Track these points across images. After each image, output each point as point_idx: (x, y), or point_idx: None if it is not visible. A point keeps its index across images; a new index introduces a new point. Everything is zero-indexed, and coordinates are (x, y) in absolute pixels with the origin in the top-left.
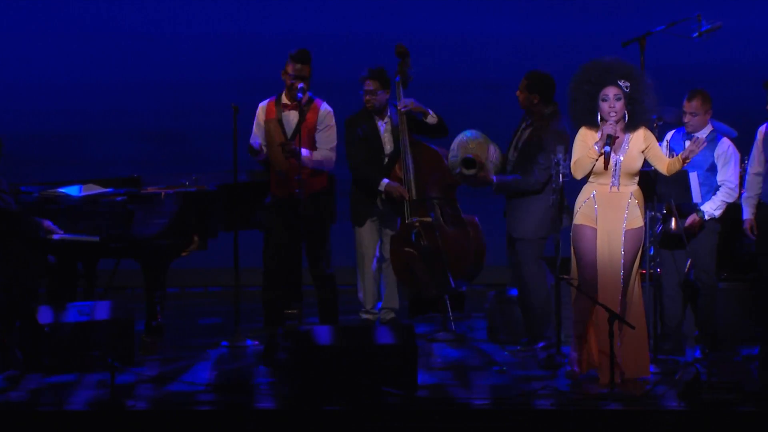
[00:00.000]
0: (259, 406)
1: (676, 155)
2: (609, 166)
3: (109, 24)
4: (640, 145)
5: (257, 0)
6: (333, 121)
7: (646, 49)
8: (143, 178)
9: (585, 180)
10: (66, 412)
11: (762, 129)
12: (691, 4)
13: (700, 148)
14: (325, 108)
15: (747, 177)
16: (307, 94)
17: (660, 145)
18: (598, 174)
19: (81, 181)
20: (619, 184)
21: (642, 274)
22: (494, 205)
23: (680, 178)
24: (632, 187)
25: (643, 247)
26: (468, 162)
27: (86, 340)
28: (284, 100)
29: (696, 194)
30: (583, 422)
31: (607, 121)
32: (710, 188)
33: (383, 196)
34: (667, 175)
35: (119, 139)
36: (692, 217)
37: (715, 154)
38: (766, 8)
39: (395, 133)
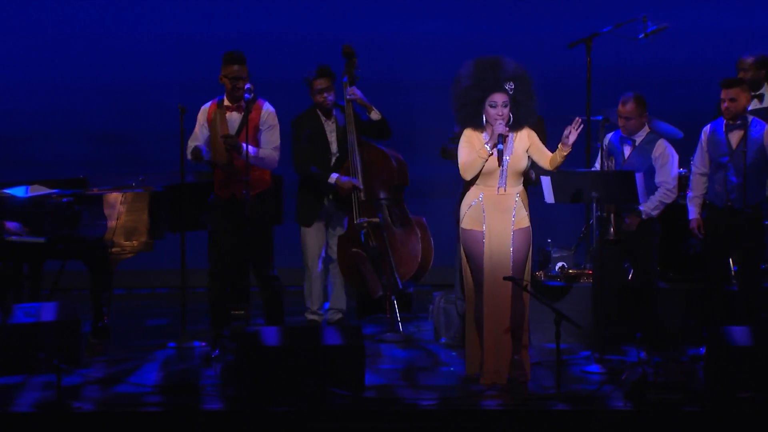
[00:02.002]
0: (206, 407)
1: (615, 159)
2: (497, 168)
3: (54, 24)
4: (525, 144)
5: (202, 0)
6: (276, 121)
7: (593, 50)
8: (90, 179)
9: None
10: (12, 414)
11: (707, 129)
12: (637, 6)
13: (578, 131)
14: (267, 108)
15: (692, 177)
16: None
17: (598, 146)
18: (486, 176)
19: (27, 182)
20: (506, 186)
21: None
22: (441, 205)
23: (626, 180)
24: (518, 188)
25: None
26: None
27: (32, 341)
28: (226, 102)
29: (642, 195)
30: (530, 422)
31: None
32: (650, 190)
33: (330, 196)
34: (550, 169)
35: (65, 139)
36: (630, 217)
37: (653, 156)
38: (712, 10)
39: (341, 134)
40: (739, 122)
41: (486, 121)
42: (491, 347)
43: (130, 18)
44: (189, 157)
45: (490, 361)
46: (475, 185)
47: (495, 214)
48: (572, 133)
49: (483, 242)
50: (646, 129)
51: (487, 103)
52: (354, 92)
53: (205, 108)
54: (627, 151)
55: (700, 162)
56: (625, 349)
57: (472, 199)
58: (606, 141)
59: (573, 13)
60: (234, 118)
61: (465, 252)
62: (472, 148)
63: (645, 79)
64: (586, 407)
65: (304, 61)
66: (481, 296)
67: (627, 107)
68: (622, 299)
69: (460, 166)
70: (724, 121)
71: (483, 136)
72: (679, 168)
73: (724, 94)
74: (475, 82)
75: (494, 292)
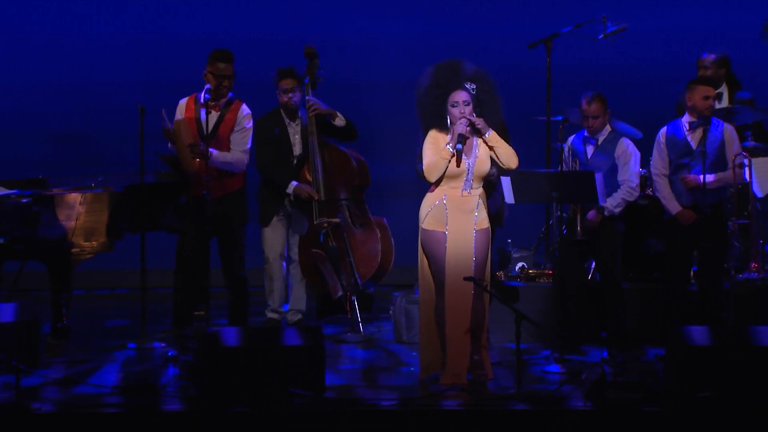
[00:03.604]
0: (166, 408)
1: (579, 159)
2: (462, 167)
3: (14, 24)
4: (487, 149)
5: (163, 0)
6: (250, 124)
7: (553, 50)
8: (49, 179)
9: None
10: None
11: (664, 131)
12: (596, 6)
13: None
14: (244, 110)
15: (655, 180)
16: (228, 95)
17: (563, 146)
18: (450, 178)
19: None
20: (470, 188)
21: (548, 275)
22: (401, 205)
23: (586, 180)
24: (480, 190)
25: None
26: None
27: None
28: (202, 99)
29: (602, 196)
30: (490, 422)
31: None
32: (613, 189)
33: (292, 198)
34: (514, 168)
35: (24, 140)
36: (593, 213)
37: (616, 155)
38: (671, 10)
39: (305, 135)
40: (700, 121)
41: (450, 122)
42: (453, 347)
43: (90, 17)
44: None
45: (451, 361)
46: (438, 186)
47: (458, 215)
48: (478, 121)
49: (445, 243)
50: (608, 128)
51: (449, 104)
52: (315, 104)
53: (183, 102)
54: (590, 150)
55: (660, 165)
56: (584, 349)
57: (434, 200)
58: (568, 144)
59: (533, 14)
60: (211, 116)
61: (426, 253)
62: (435, 149)
63: (604, 79)
64: (546, 407)
65: (264, 62)
66: (442, 297)
67: (593, 107)
68: (583, 299)
69: (424, 167)
70: (685, 120)
71: (448, 137)
72: (640, 168)
73: (707, 92)
74: (435, 81)
75: (456, 292)
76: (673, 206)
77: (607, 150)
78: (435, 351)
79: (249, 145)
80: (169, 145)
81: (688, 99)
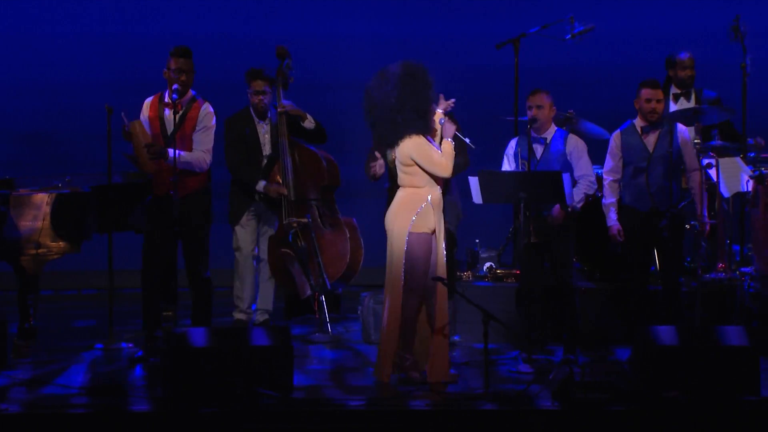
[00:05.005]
0: (133, 409)
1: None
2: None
3: None
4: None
5: (130, 1)
6: (212, 123)
7: (520, 50)
8: (16, 180)
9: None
10: None
11: (617, 135)
12: (564, 7)
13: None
14: (205, 108)
15: (605, 184)
16: (191, 93)
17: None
18: (433, 178)
19: None
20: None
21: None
22: (370, 206)
23: (554, 180)
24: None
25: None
26: None
27: None
28: (167, 98)
29: (569, 195)
30: (458, 422)
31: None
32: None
33: (260, 197)
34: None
35: None
36: (557, 209)
37: (567, 151)
38: (638, 11)
39: (274, 135)
40: (650, 127)
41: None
42: (437, 347)
43: (57, 18)
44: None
45: (438, 360)
46: (419, 187)
47: (438, 214)
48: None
49: (434, 244)
50: (554, 127)
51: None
52: (285, 105)
53: (148, 102)
54: (539, 150)
55: (613, 169)
56: (551, 349)
57: (420, 202)
58: (513, 147)
59: (501, 14)
60: (172, 115)
61: (411, 255)
62: (434, 149)
63: (572, 79)
64: (514, 407)
65: (233, 62)
66: (419, 297)
67: (536, 96)
68: (549, 300)
69: (448, 167)
70: (638, 123)
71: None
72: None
73: (652, 95)
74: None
75: (439, 292)
76: (610, 217)
77: (557, 148)
78: (395, 352)
79: (211, 145)
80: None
81: (636, 102)
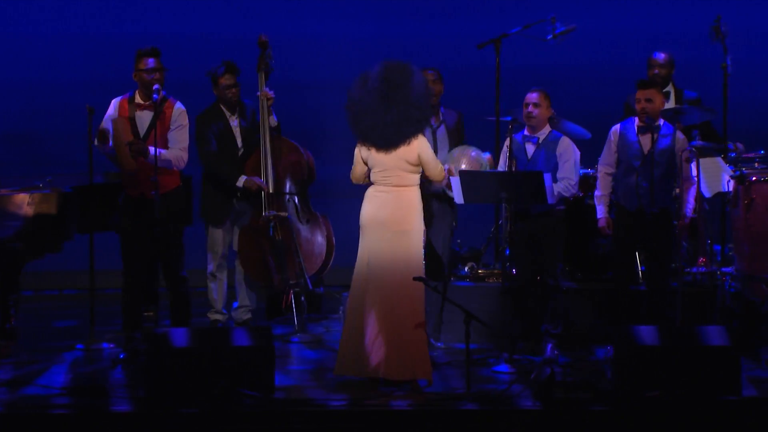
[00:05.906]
0: (115, 409)
1: (518, 158)
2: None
3: None
4: None
5: (111, 1)
6: (186, 120)
7: (502, 50)
8: None
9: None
10: None
11: (616, 129)
12: (545, 7)
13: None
14: (179, 107)
15: (599, 176)
16: (162, 93)
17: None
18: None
19: None
20: None
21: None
22: (344, 206)
23: (535, 180)
24: None
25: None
26: None
27: None
28: (138, 99)
29: (551, 195)
30: (440, 422)
31: None
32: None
33: (239, 193)
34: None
35: None
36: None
37: (558, 152)
38: (619, 11)
39: (245, 129)
40: (651, 124)
41: None
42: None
43: (38, 18)
44: (95, 142)
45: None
46: (417, 185)
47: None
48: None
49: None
50: (548, 127)
51: None
52: (267, 93)
53: (117, 101)
54: (530, 149)
55: (608, 162)
56: (533, 344)
57: (420, 200)
58: (508, 141)
59: (482, 14)
60: (145, 115)
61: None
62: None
63: (553, 79)
64: (495, 407)
65: (213, 61)
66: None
67: (534, 95)
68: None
69: (441, 170)
70: (636, 122)
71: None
72: (587, 168)
73: (640, 95)
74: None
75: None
76: (600, 210)
77: (548, 149)
78: (357, 351)
79: (187, 143)
80: (110, 144)
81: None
